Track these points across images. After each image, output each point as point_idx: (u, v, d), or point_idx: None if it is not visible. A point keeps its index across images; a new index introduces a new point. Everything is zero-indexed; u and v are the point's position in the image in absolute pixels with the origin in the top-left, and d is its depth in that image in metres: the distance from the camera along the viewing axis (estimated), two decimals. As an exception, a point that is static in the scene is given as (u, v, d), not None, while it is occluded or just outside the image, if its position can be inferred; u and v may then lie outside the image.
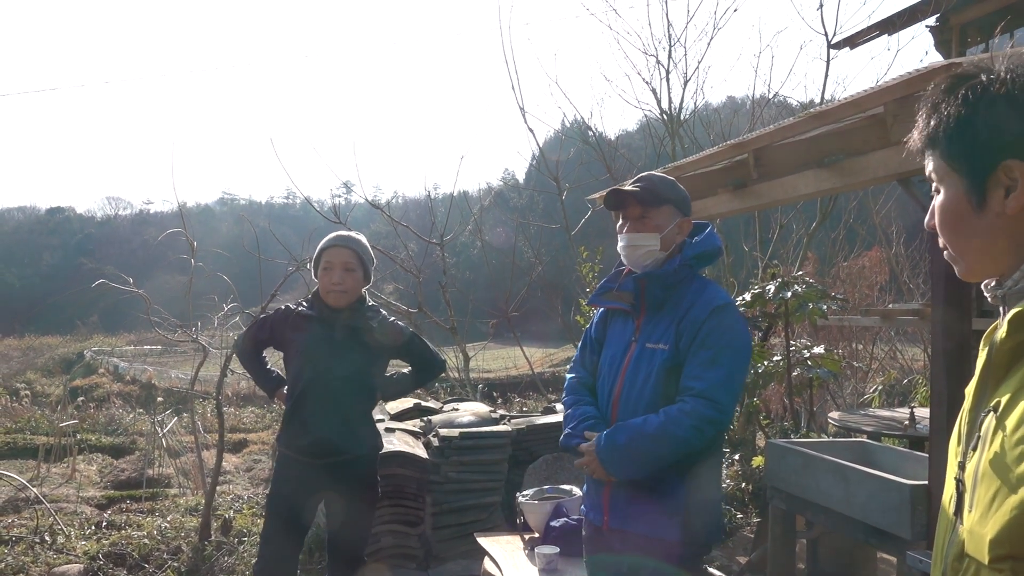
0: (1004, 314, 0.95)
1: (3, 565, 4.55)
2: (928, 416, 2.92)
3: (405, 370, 3.39)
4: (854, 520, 2.96)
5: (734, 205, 3.95)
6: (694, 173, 4.05)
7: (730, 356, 2.09)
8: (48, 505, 5.85)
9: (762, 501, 4.71)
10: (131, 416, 13.26)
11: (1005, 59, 0.97)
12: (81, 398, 14.94)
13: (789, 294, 4.95)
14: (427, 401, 6.17)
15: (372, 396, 3.24)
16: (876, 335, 9.48)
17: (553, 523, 3.22)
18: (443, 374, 5.02)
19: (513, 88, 8.28)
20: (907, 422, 4.66)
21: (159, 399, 13.12)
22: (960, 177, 0.97)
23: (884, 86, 2.68)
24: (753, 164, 3.54)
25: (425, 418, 5.19)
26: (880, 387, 8.47)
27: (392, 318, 3.28)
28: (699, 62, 8.69)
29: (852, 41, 7.52)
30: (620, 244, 2.28)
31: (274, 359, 3.76)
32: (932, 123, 1.00)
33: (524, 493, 3.54)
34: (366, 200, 9.74)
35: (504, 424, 5.00)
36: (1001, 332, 0.92)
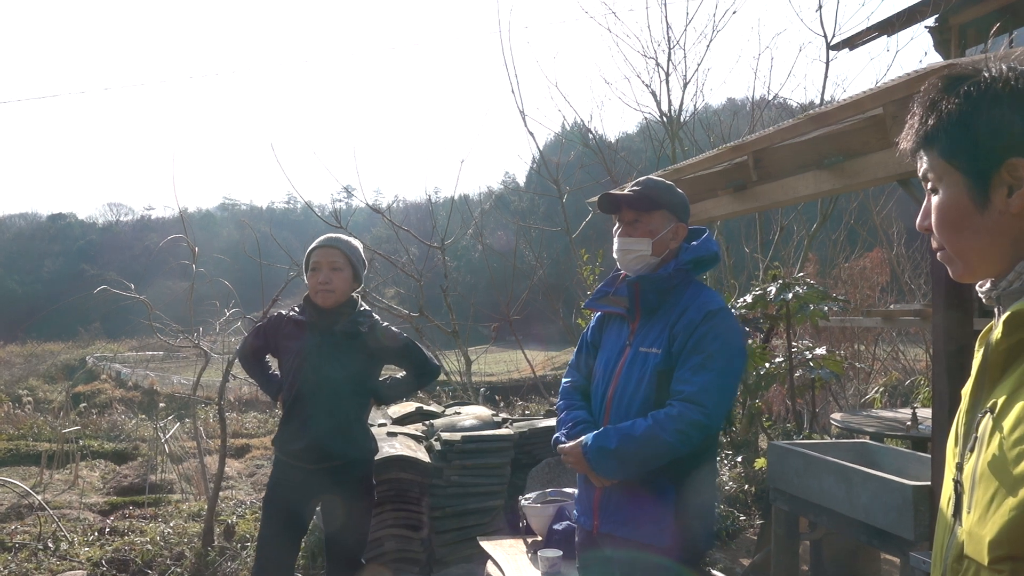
0: (999, 314, 0.95)
1: (7, 572, 4.55)
2: (930, 417, 2.92)
3: (400, 375, 3.39)
4: (857, 521, 2.96)
5: (734, 207, 3.95)
6: (694, 175, 4.05)
7: (721, 360, 2.07)
8: (51, 512, 5.86)
9: (765, 503, 4.70)
10: (133, 422, 13.29)
11: (999, 59, 0.97)
12: (83, 404, 14.98)
13: (790, 295, 4.95)
14: (429, 405, 6.17)
15: (366, 400, 3.23)
16: (878, 336, 9.48)
17: (556, 526, 3.22)
18: (439, 378, 5.02)
19: (513, 91, 8.30)
20: (909, 423, 4.66)
21: (161, 405, 13.15)
22: (961, 176, 0.96)
23: (883, 87, 2.68)
24: (753, 166, 3.54)
25: (427, 422, 5.19)
26: (882, 388, 8.47)
27: (385, 323, 3.27)
28: (698, 64, 8.79)
29: (851, 42, 7.54)
30: (614, 248, 2.29)
31: (276, 363, 3.78)
32: (930, 121, 0.98)
33: (527, 496, 3.54)
34: (367, 204, 9.75)
35: (506, 427, 5.00)
36: (996, 333, 0.91)
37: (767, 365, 5.38)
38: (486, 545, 3.45)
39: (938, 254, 1.04)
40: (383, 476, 4.28)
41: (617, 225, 2.30)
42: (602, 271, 7.07)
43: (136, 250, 58.15)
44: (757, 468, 5.46)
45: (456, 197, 9.15)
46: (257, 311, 5.58)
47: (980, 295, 1.01)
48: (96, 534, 5.43)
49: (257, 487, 8.17)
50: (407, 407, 5.69)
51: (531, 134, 11.01)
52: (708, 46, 10.41)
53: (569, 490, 3.58)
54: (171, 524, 5.51)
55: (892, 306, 7.57)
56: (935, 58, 7.27)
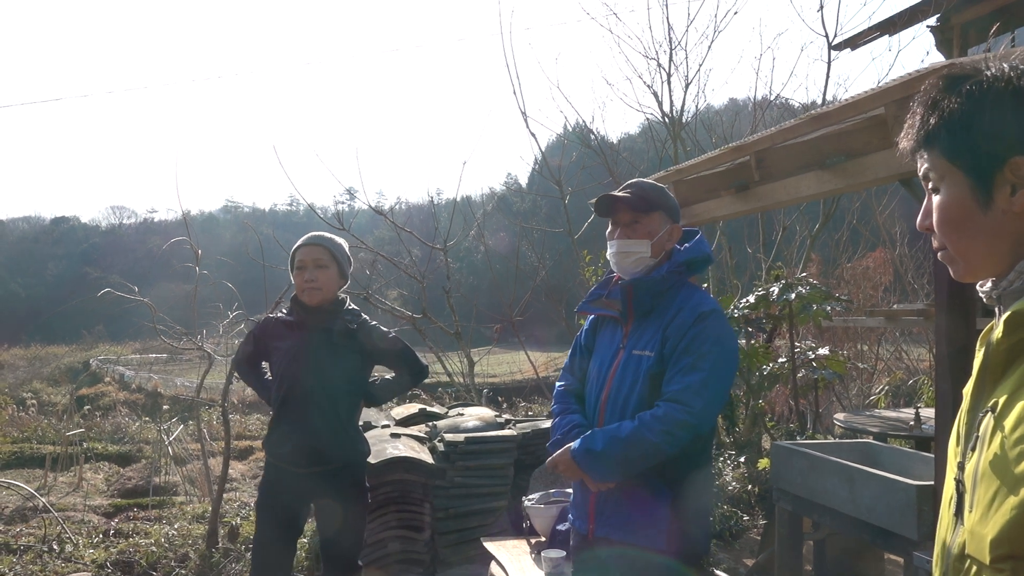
0: (1000, 314, 0.95)
1: (12, 574, 4.56)
2: (934, 416, 2.92)
3: (388, 376, 3.38)
4: (860, 521, 2.96)
5: (736, 207, 3.95)
6: (696, 176, 4.05)
7: (710, 361, 2.06)
8: (56, 514, 5.87)
9: (768, 503, 4.70)
10: (137, 424, 13.31)
11: (1000, 59, 0.96)
12: (87, 407, 15.01)
13: (793, 296, 4.95)
14: (432, 406, 6.17)
15: (358, 401, 3.20)
16: (881, 336, 9.47)
17: (559, 527, 3.22)
18: (442, 380, 5.02)
19: (515, 93, 8.29)
20: (913, 423, 4.66)
21: (165, 407, 13.16)
22: (964, 176, 0.95)
23: (884, 87, 2.68)
24: (755, 166, 3.55)
25: (430, 423, 5.19)
26: (885, 388, 8.46)
27: (374, 322, 3.26)
28: (700, 65, 8.74)
29: (853, 42, 7.54)
30: (610, 251, 2.27)
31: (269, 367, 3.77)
32: (931, 121, 0.98)
33: (530, 497, 3.54)
34: (369, 206, 9.74)
35: (509, 428, 5.00)
36: (997, 332, 0.91)
37: (770, 365, 5.38)
38: (489, 546, 3.45)
39: (939, 254, 1.03)
40: (386, 477, 4.28)
41: (612, 227, 2.28)
42: (604, 272, 7.06)
43: (139, 253, 58.26)
44: (760, 468, 5.46)
45: (458, 198, 9.14)
46: (260, 313, 5.59)
47: (981, 295, 1.01)
48: (101, 536, 5.45)
49: (261, 489, 8.18)
50: (410, 408, 5.70)
51: (533, 135, 10.97)
52: (710, 47, 10.35)
53: (571, 491, 3.59)
54: (175, 526, 5.52)
55: (895, 306, 7.56)
56: (937, 57, 7.27)
